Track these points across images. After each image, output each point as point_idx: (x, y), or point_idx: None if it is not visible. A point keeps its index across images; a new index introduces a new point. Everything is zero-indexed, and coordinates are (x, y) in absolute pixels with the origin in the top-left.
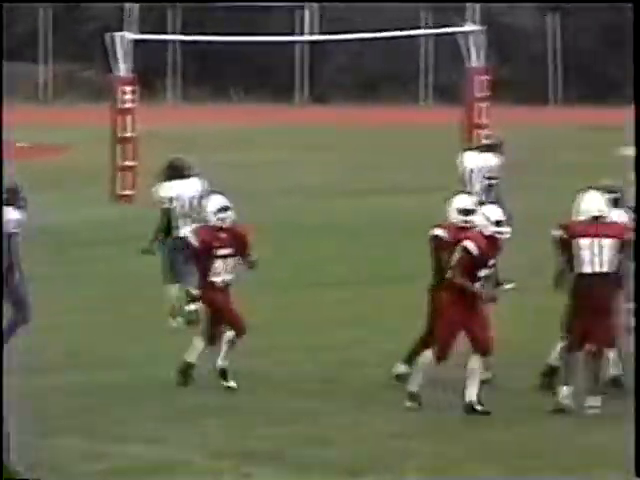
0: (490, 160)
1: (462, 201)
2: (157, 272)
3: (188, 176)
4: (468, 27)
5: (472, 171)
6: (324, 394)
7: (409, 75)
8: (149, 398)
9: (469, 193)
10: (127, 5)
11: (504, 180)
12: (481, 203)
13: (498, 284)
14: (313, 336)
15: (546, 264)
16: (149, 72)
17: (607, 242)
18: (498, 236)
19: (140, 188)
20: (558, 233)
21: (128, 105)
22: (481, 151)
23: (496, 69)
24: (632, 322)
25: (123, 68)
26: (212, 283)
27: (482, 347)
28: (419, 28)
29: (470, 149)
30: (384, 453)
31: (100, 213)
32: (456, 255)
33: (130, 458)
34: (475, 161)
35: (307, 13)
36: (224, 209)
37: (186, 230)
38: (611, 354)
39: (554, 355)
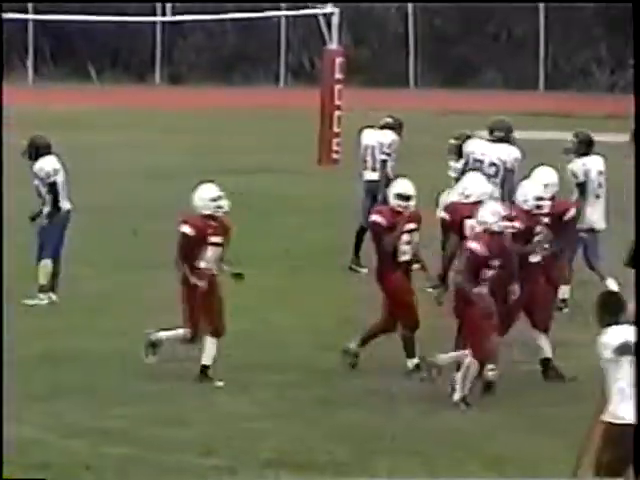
0: (388, 137)
1: (401, 186)
2: None
3: (49, 153)
4: (327, 9)
5: (371, 147)
6: (181, 375)
7: (268, 56)
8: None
9: (374, 169)
10: None
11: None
12: (388, 180)
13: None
14: (168, 316)
15: None
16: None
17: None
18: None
19: None
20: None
21: None
22: (380, 129)
23: (354, 51)
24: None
25: None
26: (200, 270)
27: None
28: (278, 9)
29: (369, 127)
30: (240, 434)
31: None
32: (461, 259)
33: None
34: (374, 137)
35: None
36: (219, 197)
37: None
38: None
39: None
